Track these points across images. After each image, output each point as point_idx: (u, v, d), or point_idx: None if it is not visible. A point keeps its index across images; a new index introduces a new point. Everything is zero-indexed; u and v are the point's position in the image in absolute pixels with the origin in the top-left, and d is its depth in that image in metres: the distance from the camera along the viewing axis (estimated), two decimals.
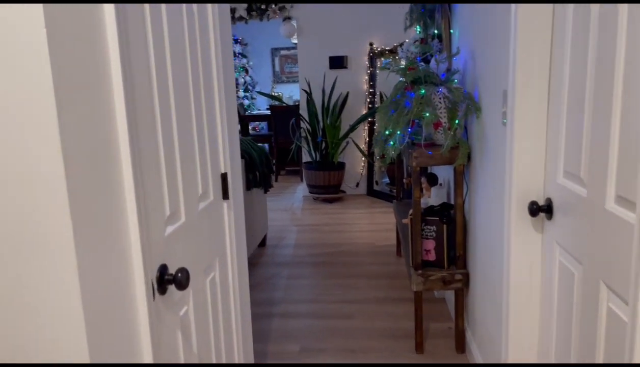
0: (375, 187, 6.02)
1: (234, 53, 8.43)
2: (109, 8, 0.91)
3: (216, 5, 1.59)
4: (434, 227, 2.46)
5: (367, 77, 5.81)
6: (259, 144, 4.05)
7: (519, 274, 1.71)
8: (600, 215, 1.23)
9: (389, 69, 2.56)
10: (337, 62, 5.81)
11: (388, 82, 5.63)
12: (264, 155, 4.01)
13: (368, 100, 5.83)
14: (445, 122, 2.25)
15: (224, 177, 1.64)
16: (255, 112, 8.50)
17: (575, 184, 1.41)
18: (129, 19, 1.02)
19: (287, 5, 5.66)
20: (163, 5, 1.20)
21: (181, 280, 1.12)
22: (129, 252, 0.99)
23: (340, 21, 5.74)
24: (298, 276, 3.60)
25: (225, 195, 1.65)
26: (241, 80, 8.53)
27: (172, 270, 1.20)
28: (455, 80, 2.42)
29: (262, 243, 4.25)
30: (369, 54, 5.75)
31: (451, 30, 2.71)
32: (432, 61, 2.43)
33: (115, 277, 0.94)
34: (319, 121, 5.79)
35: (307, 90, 5.78)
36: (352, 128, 5.68)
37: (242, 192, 1.85)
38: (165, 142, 1.19)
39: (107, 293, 0.91)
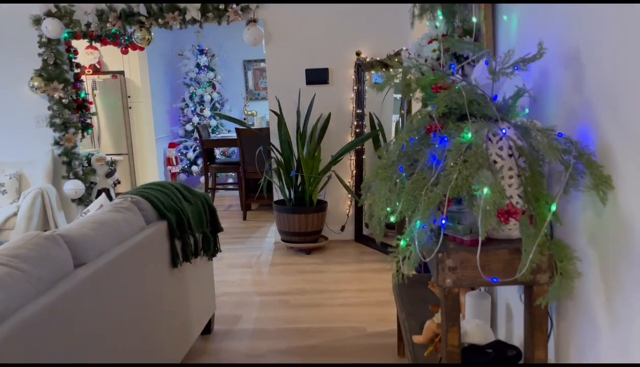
0: (365, 232, 4.81)
1: (199, 66, 7.21)
2: None
3: None
4: None
5: (353, 95, 4.62)
6: (199, 191, 2.82)
7: None
8: None
9: (390, 85, 1.37)
10: (316, 76, 4.61)
11: (379, 100, 4.45)
12: (205, 208, 2.77)
13: (355, 123, 4.64)
14: (520, 204, 1.05)
15: None
16: (223, 135, 7.26)
17: None
18: None
19: (252, 5, 4.47)
20: None
21: None
22: None
23: (319, 25, 4.55)
24: None
25: None
26: (207, 97, 7.30)
27: None
28: (526, 111, 1.22)
29: (207, 329, 3.00)
30: (355, 66, 4.57)
31: (503, 17, 1.52)
32: (479, 71, 1.23)
33: None
34: (294, 151, 4.57)
35: (278, 111, 4.57)
36: (335, 160, 4.47)
37: None
38: None
39: None
